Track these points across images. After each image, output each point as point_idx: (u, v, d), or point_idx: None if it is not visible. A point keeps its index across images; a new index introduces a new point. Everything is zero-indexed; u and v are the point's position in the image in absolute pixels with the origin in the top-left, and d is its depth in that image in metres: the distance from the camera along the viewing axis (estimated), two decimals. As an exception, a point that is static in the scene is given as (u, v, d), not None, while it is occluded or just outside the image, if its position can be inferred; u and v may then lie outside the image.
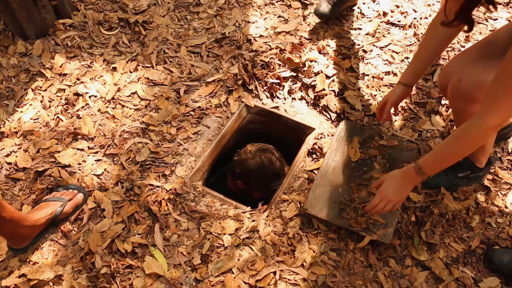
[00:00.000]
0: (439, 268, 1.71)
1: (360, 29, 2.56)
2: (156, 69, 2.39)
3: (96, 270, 1.73)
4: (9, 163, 2.04)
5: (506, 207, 1.87)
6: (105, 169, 2.03)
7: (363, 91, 2.25)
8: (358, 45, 2.45)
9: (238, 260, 1.77)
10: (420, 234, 1.79)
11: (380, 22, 2.61)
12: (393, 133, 2.12)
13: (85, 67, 2.39)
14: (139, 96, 2.28)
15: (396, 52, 2.40)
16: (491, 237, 1.80)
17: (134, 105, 2.25)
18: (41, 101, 2.25)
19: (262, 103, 2.28)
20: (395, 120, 2.16)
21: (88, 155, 2.07)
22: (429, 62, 1.72)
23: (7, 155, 2.07)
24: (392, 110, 1.80)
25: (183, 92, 2.29)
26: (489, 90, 1.26)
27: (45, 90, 2.30)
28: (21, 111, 2.22)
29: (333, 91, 2.25)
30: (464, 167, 1.87)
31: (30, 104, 2.24)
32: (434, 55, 1.70)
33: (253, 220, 1.88)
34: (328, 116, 2.19)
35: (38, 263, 1.77)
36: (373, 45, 2.45)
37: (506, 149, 2.04)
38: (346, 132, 2.09)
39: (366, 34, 2.53)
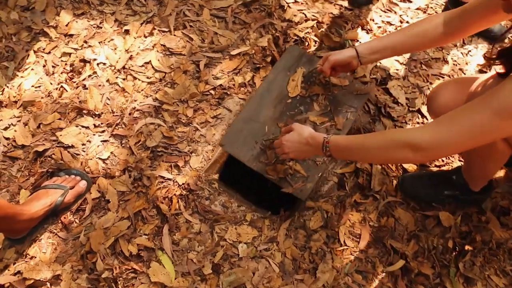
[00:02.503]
0: (477, 306, 1.53)
1: (410, 1, 2.20)
2: (174, 35, 2.10)
3: (97, 273, 1.58)
4: (7, 139, 1.83)
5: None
6: (111, 153, 1.82)
7: (408, 80, 1.95)
8: (407, 22, 2.11)
9: (253, 274, 1.60)
10: (458, 265, 1.58)
11: (435, -7, 2.24)
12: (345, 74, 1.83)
13: (94, 27, 2.11)
14: (153, 67, 2.01)
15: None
16: (540, 273, 1.59)
17: (147, 78, 1.99)
18: (44, 66, 2.00)
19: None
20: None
21: (94, 135, 1.85)
22: (398, 53, 1.58)
23: (5, 129, 1.86)
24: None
25: (203, 65, 2.01)
26: (449, 113, 1.08)
27: (49, 52, 2.03)
28: (21, 76, 1.98)
29: (375, 79, 1.95)
30: (454, 186, 1.64)
31: (32, 69, 1.99)
32: (409, 49, 1.57)
33: (273, 229, 1.69)
34: (367, 108, 1.92)
35: (35, 258, 1.62)
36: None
37: None
38: (293, 60, 1.81)
39: (417, 9, 2.17)
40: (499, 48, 1.08)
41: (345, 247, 1.65)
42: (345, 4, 2.19)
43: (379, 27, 2.09)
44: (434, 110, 1.49)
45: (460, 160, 1.80)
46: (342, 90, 1.78)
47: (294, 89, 1.77)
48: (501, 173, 1.78)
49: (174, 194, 1.73)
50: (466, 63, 1.99)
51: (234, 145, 1.69)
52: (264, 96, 1.77)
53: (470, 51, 2.03)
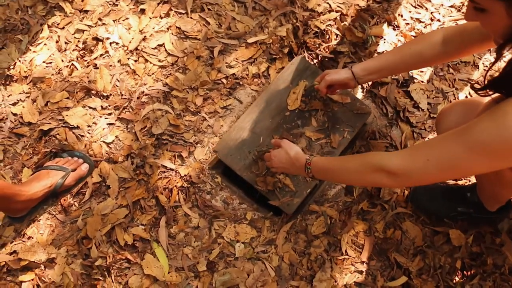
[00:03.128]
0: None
1: (444, -3, 2.05)
2: (191, 17, 2.01)
3: (91, 260, 1.56)
4: (15, 115, 1.82)
5: None
6: (116, 137, 1.78)
7: (432, 84, 1.83)
8: (438, 20, 1.96)
9: (248, 276, 1.55)
10: (464, 287, 1.49)
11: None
12: (348, 91, 1.78)
13: (110, 4, 2.04)
14: (166, 50, 1.95)
15: (486, 37, 1.91)
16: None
17: (159, 61, 1.92)
18: (57, 42, 1.96)
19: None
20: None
21: (100, 117, 1.82)
22: (395, 73, 1.63)
23: (14, 104, 1.84)
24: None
25: (217, 52, 1.93)
26: (427, 141, 1.11)
27: (63, 28, 1.99)
28: (34, 51, 1.94)
29: (397, 80, 1.83)
30: (468, 203, 1.54)
31: (45, 44, 1.96)
32: (406, 69, 1.60)
33: (273, 231, 1.63)
34: (385, 110, 1.81)
35: (32, 238, 1.62)
36: (456, 23, 1.95)
37: None
38: (297, 72, 1.77)
39: (451, 6, 2.01)
40: (488, 78, 1.01)
41: (346, 256, 1.58)
42: (375, -4, 2.06)
43: (407, 23, 1.95)
44: (442, 133, 1.39)
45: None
46: (342, 108, 1.74)
47: (294, 102, 1.74)
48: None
49: (175, 186, 1.69)
50: (499, 70, 1.83)
51: (228, 153, 1.68)
52: (262, 106, 1.75)
53: (504, 56, 1.87)
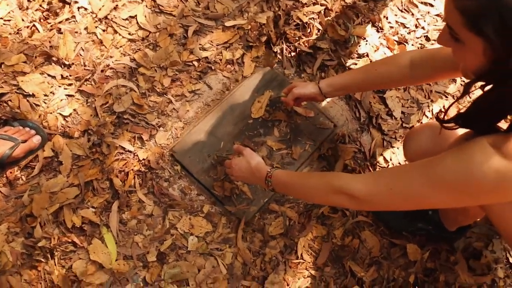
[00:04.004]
0: None
1: (431, 5, 1.99)
2: (168, -9, 1.90)
3: (34, 240, 1.47)
4: (-37, 73, 1.67)
5: (527, 294, 1.54)
6: (74, 110, 1.67)
7: (409, 93, 1.79)
8: (423, 28, 1.91)
9: (199, 271, 1.50)
10: (415, 302, 1.49)
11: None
12: (314, 103, 1.78)
13: (81, -35, 1.90)
14: (138, 23, 1.83)
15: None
16: (497, 328, 1.50)
17: (129, 34, 1.81)
18: (19, -2, 1.81)
19: (284, 73, 1.83)
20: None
21: (59, 86, 1.70)
22: (363, 90, 1.68)
23: (-37, 62, 1.69)
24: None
25: (192, 31, 1.83)
26: (391, 168, 1.14)
27: (27, -17, 1.84)
28: (-9, 5, 1.79)
29: (373, 84, 1.79)
30: (429, 221, 1.54)
31: (5, -1, 1.80)
32: (374, 87, 1.63)
33: (229, 227, 1.57)
34: (358, 114, 1.76)
35: (-30, 210, 1.51)
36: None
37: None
38: (263, 81, 1.79)
39: (437, 15, 1.96)
40: (458, 111, 1.00)
41: (301, 260, 1.54)
42: (362, -7, 1.98)
43: (391, 27, 1.90)
44: (409, 154, 1.37)
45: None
46: (305, 121, 1.74)
47: (258, 110, 1.73)
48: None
49: (132, 169, 1.60)
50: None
51: (186, 155, 1.65)
52: (226, 112, 1.72)
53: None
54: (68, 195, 1.54)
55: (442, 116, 1.02)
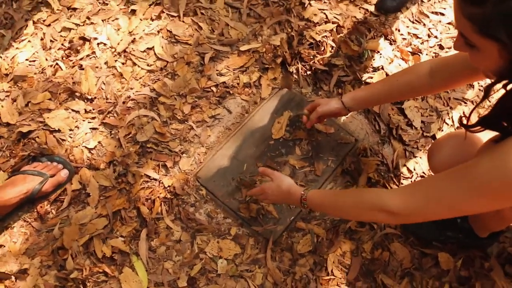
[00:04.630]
0: None
1: (442, 14, 2.01)
2: (183, 21, 1.95)
3: (66, 272, 1.49)
4: (-7, 114, 1.74)
5: None
6: (99, 142, 1.72)
7: (427, 102, 1.78)
8: (435, 37, 1.92)
9: (230, 294, 1.49)
10: (451, 314, 1.45)
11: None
12: (334, 119, 1.79)
13: (99, 3, 1.98)
14: (155, 54, 1.88)
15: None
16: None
17: (148, 65, 1.86)
18: (42, 39, 1.89)
19: (301, 92, 1.86)
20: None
21: (83, 120, 1.75)
22: (384, 102, 1.69)
23: (-8, 102, 1.76)
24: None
25: (208, 58, 1.87)
26: (425, 179, 1.12)
27: (49, 25, 1.92)
28: (17, 47, 1.87)
29: (391, 96, 1.79)
30: (458, 229, 1.51)
31: (29, 41, 1.88)
32: (395, 99, 1.63)
33: (257, 248, 1.57)
34: (377, 127, 1.77)
35: (4, 247, 1.54)
36: (453, 41, 1.91)
37: None
38: (281, 103, 1.81)
39: (448, 23, 1.97)
40: (478, 116, 0.98)
41: (332, 276, 1.53)
42: (372, 8, 2.01)
43: (404, 38, 1.91)
44: (435, 166, 1.36)
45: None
46: (326, 137, 1.75)
47: (278, 131, 1.75)
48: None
49: (158, 197, 1.62)
50: (494, 90, 1.80)
51: (210, 179, 1.67)
52: (247, 134, 1.75)
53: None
54: (97, 226, 1.56)
55: (465, 122, 1.02)
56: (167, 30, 1.93)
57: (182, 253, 1.55)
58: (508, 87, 0.87)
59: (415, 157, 1.70)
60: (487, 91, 0.91)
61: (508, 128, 0.91)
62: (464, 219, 1.47)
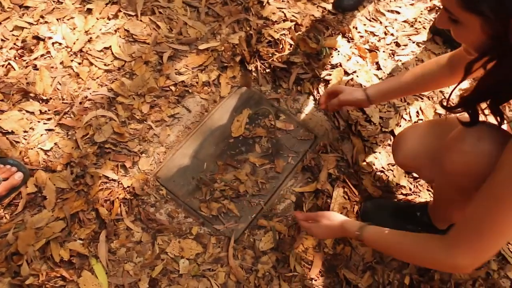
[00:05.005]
0: None
1: (398, 12, 2.05)
2: (140, 20, 1.93)
3: (21, 278, 1.44)
4: None
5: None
6: (55, 144, 1.67)
7: (385, 98, 1.82)
8: (392, 34, 1.97)
9: (192, 294, 1.48)
10: (413, 304, 1.48)
11: (425, 8, 2.09)
12: (293, 117, 1.80)
13: (53, 2, 1.92)
14: (113, 54, 1.85)
15: (436, 54, 1.93)
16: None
17: (105, 65, 1.83)
18: (-8, 39, 1.82)
19: (260, 90, 1.86)
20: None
21: (39, 122, 1.70)
22: (406, 93, 1.67)
23: None
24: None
25: (167, 57, 1.85)
26: (468, 218, 0.99)
27: (-1, 24, 1.86)
28: (-34, 47, 1.80)
29: (349, 93, 1.82)
30: (418, 222, 1.53)
31: (-22, 40, 1.82)
32: (418, 91, 1.64)
33: (219, 247, 1.56)
34: (337, 124, 1.79)
35: (-46, 253, 1.48)
36: (409, 38, 1.97)
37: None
38: (240, 101, 1.81)
39: (404, 21, 2.02)
40: (459, 96, 0.99)
41: (295, 273, 1.53)
42: (329, 7, 2.03)
43: (361, 36, 1.94)
44: (400, 159, 1.38)
45: (428, 190, 1.68)
46: (286, 135, 1.76)
47: (238, 129, 1.75)
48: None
49: (117, 198, 1.59)
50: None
51: (170, 179, 1.66)
52: (206, 133, 1.75)
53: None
54: (54, 229, 1.52)
55: (445, 103, 1.02)
56: (125, 29, 1.90)
57: (143, 254, 1.53)
58: (488, 66, 0.88)
59: (374, 152, 1.73)
60: (468, 68, 0.91)
61: (492, 109, 0.93)
62: (424, 213, 1.50)
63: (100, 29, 1.88)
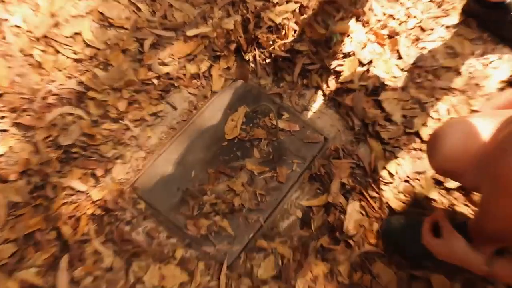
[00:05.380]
0: None
1: (422, -9, 1.79)
2: (118, 1, 1.67)
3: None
4: None
5: None
6: (10, 148, 1.41)
7: (408, 93, 1.54)
8: (415, 17, 1.69)
9: (175, 336, 1.19)
10: None
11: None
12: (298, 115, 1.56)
13: (13, -22, 1.66)
14: (84, 40, 1.59)
15: (469, 40, 1.64)
16: None
17: (75, 53, 1.57)
18: None
19: (259, 84, 1.59)
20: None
21: (-9, 121, 1.42)
22: None
23: None
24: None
25: (148, 45, 1.60)
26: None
27: None
28: None
29: (365, 86, 1.54)
30: None
31: None
32: None
33: (208, 275, 1.28)
34: (351, 123, 1.51)
35: None
36: (436, 22, 1.69)
37: None
38: (236, 96, 1.58)
39: (430, 1, 1.74)
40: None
41: (301, 308, 1.26)
42: (341, -13, 1.77)
43: (379, 20, 1.67)
44: (439, 163, 1.11)
45: (466, 205, 1.39)
46: (290, 137, 1.52)
47: (233, 130, 1.52)
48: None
49: (85, 213, 1.33)
50: (485, 77, 1.58)
51: (151, 190, 1.42)
52: (195, 135, 1.51)
53: (492, 62, 1.61)
54: (3, 254, 1.25)
55: None
56: (99, 12, 1.65)
57: (115, 285, 1.27)
58: None
59: (397, 157, 1.45)
60: None
61: None
62: (461, 232, 1.22)
63: (69, 11, 1.64)
